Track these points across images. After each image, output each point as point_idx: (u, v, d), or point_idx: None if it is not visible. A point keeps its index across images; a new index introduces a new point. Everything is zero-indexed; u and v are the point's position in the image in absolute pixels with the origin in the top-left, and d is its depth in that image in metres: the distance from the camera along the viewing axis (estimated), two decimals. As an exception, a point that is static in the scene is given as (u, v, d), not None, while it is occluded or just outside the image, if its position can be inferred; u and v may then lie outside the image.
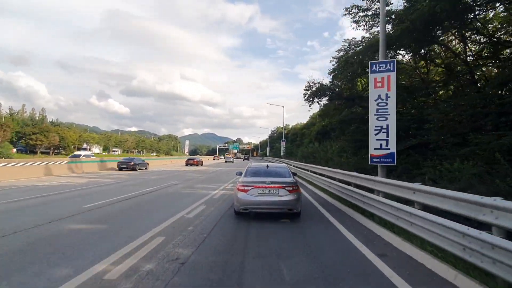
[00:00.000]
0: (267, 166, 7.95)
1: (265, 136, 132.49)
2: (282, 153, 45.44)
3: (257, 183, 6.72)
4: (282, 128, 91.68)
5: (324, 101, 17.27)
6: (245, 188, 6.69)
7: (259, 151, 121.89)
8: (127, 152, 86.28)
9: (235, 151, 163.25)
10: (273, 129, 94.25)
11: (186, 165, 37.92)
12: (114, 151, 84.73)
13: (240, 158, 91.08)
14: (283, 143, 46.26)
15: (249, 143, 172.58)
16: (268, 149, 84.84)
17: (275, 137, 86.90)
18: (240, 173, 7.96)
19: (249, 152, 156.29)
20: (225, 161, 60.93)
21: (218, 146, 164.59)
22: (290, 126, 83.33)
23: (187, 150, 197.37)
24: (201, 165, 38.99)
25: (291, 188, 6.64)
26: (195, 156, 47.90)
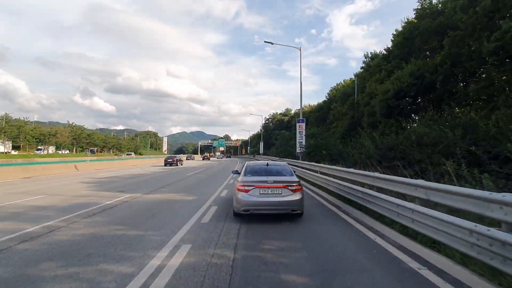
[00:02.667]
0: (267, 164, 7.49)
1: (256, 129, 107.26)
2: (298, 149, 20.92)
3: (258, 182, 6.26)
4: (278, 114, 66.40)
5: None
6: (246, 188, 6.21)
7: (248, 148, 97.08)
8: (61, 151, 59.62)
9: (221, 148, 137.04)
10: (268, 116, 69.09)
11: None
12: (40, 149, 58.17)
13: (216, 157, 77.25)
14: (301, 127, 21.52)
15: (237, 140, 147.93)
16: (261, 144, 60.16)
17: (271, 128, 62.37)
18: (237, 172, 8.01)
19: (237, 150, 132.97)
20: (217, 158, 72.00)
21: (199, 143, 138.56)
22: (292, 112, 58.98)
23: (165, 148, 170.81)
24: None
25: (294, 188, 6.22)
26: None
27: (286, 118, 55.49)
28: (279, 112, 62.93)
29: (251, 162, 8.47)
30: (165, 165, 31.30)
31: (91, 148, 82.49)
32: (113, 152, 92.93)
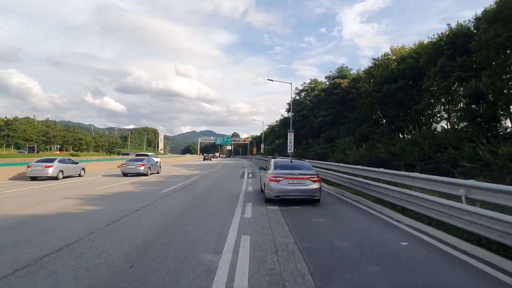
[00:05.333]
0: (291, 161, 9.64)
1: (273, 119, 78.13)
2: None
3: (287, 174, 8.04)
4: (323, 81, 35.32)
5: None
6: (277, 178, 7.98)
7: (262, 145, 68.42)
8: None
9: (228, 147, 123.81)
10: (301, 87, 37.82)
11: None
12: None
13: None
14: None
15: (246, 137, 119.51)
16: (290, 136, 31.49)
17: (309, 106, 33.20)
18: (262, 168, 11.07)
19: (246, 149, 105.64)
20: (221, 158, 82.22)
21: (199, 140, 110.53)
22: (353, 71, 29.95)
23: (161, 146, 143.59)
24: None
25: (314, 179, 8.04)
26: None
27: (344, 83, 26.78)
28: (322, 77, 33.52)
29: (278, 159, 10.30)
30: (204, 160, 54.05)
31: (29, 146, 55.49)
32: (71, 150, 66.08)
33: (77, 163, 18.24)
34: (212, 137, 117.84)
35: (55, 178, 15.55)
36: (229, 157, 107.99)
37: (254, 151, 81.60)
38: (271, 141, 61.39)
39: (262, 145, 68.43)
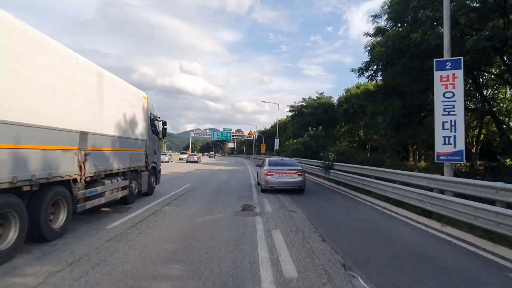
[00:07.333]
0: (282, 159, 12.40)
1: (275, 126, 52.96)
2: None
3: (278, 170, 10.57)
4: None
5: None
6: (271, 173, 10.44)
7: (277, 140, 43.47)
8: None
9: (231, 144, 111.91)
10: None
11: None
12: None
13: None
14: None
15: (251, 131, 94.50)
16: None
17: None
18: (259, 165, 13.04)
19: (251, 146, 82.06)
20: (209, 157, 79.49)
21: (192, 134, 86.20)
22: None
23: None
24: None
25: (300, 173, 10.55)
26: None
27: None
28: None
29: (271, 158, 13.06)
30: (209, 158, 69.58)
31: None
32: None
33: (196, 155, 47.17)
34: (207, 131, 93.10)
35: (197, 162, 39.97)
36: (224, 155, 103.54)
37: (263, 148, 56.94)
38: (295, 132, 36.34)
39: (276, 140, 43.48)
